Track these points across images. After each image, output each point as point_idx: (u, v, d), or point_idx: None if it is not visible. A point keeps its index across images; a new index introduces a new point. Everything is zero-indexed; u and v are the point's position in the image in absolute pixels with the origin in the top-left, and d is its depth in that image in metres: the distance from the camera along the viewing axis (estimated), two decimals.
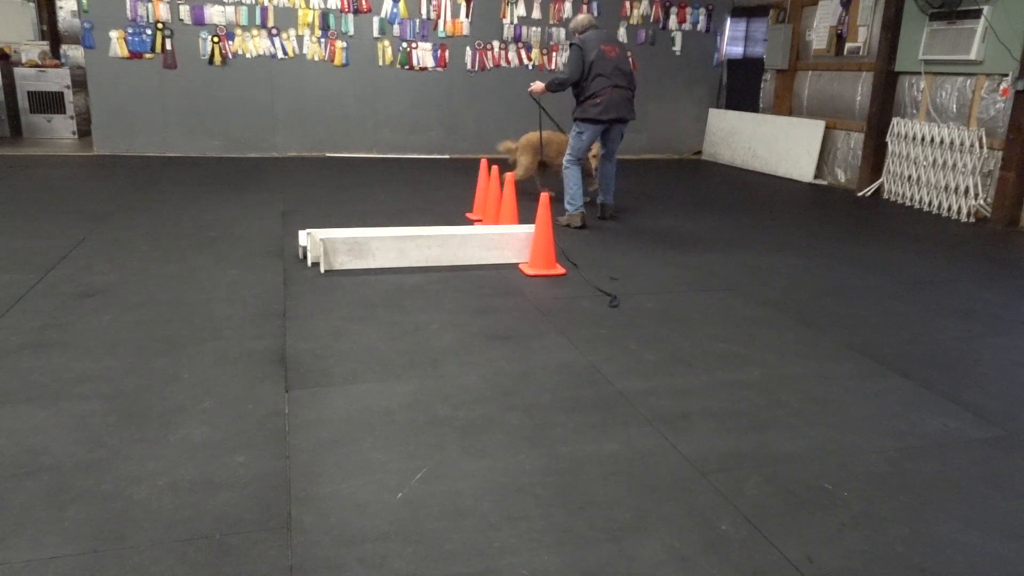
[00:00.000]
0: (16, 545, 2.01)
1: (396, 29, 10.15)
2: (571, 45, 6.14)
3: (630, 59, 6.01)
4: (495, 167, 6.18)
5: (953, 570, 2.09)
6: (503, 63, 10.66)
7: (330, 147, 10.34)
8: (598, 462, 2.57)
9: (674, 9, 11.24)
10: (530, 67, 10.77)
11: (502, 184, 5.95)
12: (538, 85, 6.35)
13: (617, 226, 6.46)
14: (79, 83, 10.32)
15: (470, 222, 6.24)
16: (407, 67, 10.30)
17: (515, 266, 5.02)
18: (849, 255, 5.79)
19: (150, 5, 9.30)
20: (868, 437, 2.85)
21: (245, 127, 9.96)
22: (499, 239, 5.07)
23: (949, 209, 7.68)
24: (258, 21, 9.66)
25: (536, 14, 10.60)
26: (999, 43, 7.19)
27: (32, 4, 11.21)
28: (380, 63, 10.20)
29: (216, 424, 2.72)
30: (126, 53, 9.36)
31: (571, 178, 6.23)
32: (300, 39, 9.85)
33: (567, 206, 6.27)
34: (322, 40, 9.92)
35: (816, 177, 9.80)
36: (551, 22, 10.72)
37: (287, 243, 5.33)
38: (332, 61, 10.02)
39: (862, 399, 3.19)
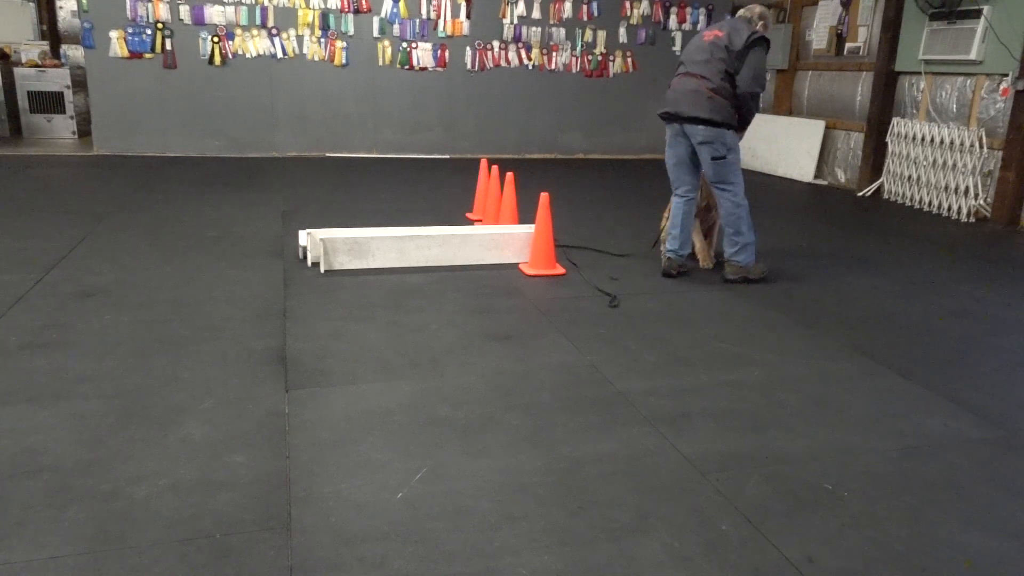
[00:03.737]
0: (16, 545, 2.01)
1: (396, 29, 10.16)
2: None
3: (722, 42, 4.46)
4: (495, 167, 6.17)
5: (953, 570, 2.09)
6: (503, 63, 10.67)
7: (330, 147, 10.34)
8: (598, 462, 2.57)
9: (674, 9, 11.25)
10: (530, 67, 10.77)
11: (502, 184, 5.94)
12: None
13: (617, 227, 6.46)
14: (79, 83, 10.33)
15: (470, 222, 6.24)
16: (407, 67, 10.31)
17: (515, 266, 5.02)
18: (849, 255, 5.79)
19: (150, 5, 9.30)
20: (868, 437, 2.85)
21: (245, 127, 9.96)
22: (499, 239, 5.07)
23: (949, 209, 7.67)
24: (258, 21, 9.67)
25: (536, 14, 10.61)
26: (999, 43, 7.19)
27: (32, 4, 11.21)
28: (380, 63, 10.20)
29: (216, 424, 2.71)
30: (126, 53, 9.36)
31: (742, 212, 4.72)
32: (300, 39, 9.86)
33: (752, 256, 4.77)
34: (322, 40, 9.92)
35: (816, 177, 9.80)
36: (551, 22, 10.73)
37: (287, 243, 5.33)
38: (332, 61, 10.02)
39: (862, 399, 3.19)
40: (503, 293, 4.45)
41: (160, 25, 9.35)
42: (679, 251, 4.89)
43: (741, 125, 4.64)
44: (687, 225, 4.87)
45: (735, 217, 4.69)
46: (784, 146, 10.24)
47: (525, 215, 5.75)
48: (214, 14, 9.51)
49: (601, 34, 10.98)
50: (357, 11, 9.95)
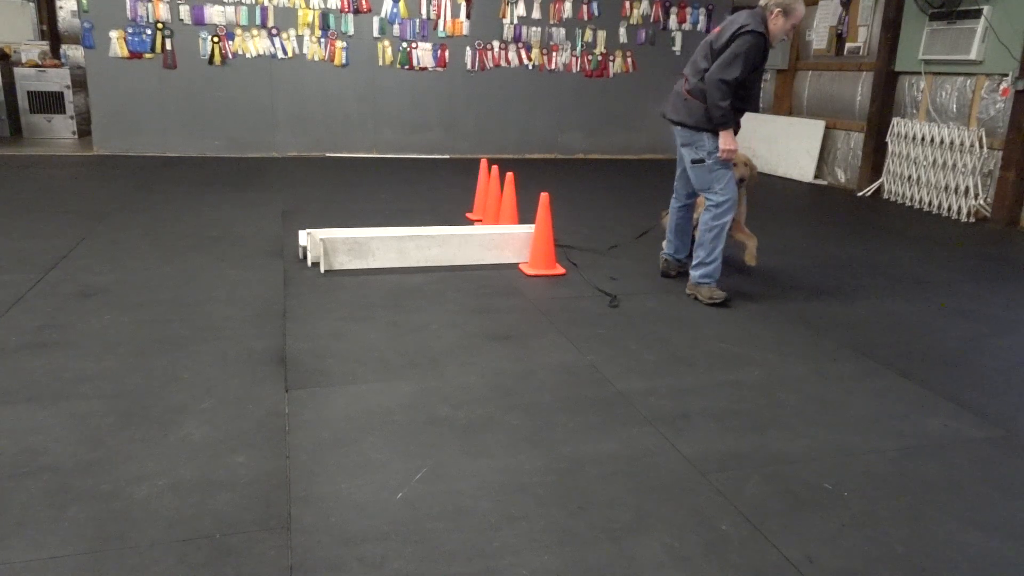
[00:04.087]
0: (16, 545, 2.01)
1: (396, 29, 10.15)
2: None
3: (710, 39, 4.27)
4: (495, 167, 6.17)
5: (953, 570, 2.09)
6: (503, 63, 10.66)
7: (330, 147, 10.34)
8: (598, 462, 2.57)
9: (674, 9, 11.24)
10: (530, 67, 10.77)
11: (502, 184, 5.94)
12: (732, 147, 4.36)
13: (618, 227, 6.46)
14: (79, 83, 10.32)
15: (470, 222, 6.24)
16: (407, 67, 10.30)
17: (515, 266, 5.02)
18: (849, 255, 5.79)
19: (150, 5, 9.30)
20: (868, 437, 2.85)
21: (245, 127, 9.96)
22: (499, 239, 5.07)
23: (949, 209, 7.68)
24: (258, 21, 9.66)
25: (536, 14, 10.60)
26: (999, 43, 7.19)
27: (32, 4, 11.21)
28: (380, 63, 10.20)
29: (216, 424, 2.71)
30: (126, 53, 9.36)
31: (718, 229, 4.35)
32: (300, 39, 9.86)
33: (706, 277, 4.40)
34: (322, 40, 9.92)
35: (816, 177, 9.80)
36: (551, 22, 10.72)
37: (287, 243, 5.33)
38: (332, 61, 10.02)
39: (862, 399, 3.19)
40: (503, 293, 4.45)
41: (160, 25, 9.35)
42: (675, 255, 4.90)
43: (714, 122, 4.20)
44: (682, 231, 4.87)
45: (707, 230, 4.31)
46: (784, 146, 10.23)
47: (525, 215, 5.75)
48: (214, 14, 9.50)
49: (601, 34, 10.98)
50: (357, 11, 9.94)
